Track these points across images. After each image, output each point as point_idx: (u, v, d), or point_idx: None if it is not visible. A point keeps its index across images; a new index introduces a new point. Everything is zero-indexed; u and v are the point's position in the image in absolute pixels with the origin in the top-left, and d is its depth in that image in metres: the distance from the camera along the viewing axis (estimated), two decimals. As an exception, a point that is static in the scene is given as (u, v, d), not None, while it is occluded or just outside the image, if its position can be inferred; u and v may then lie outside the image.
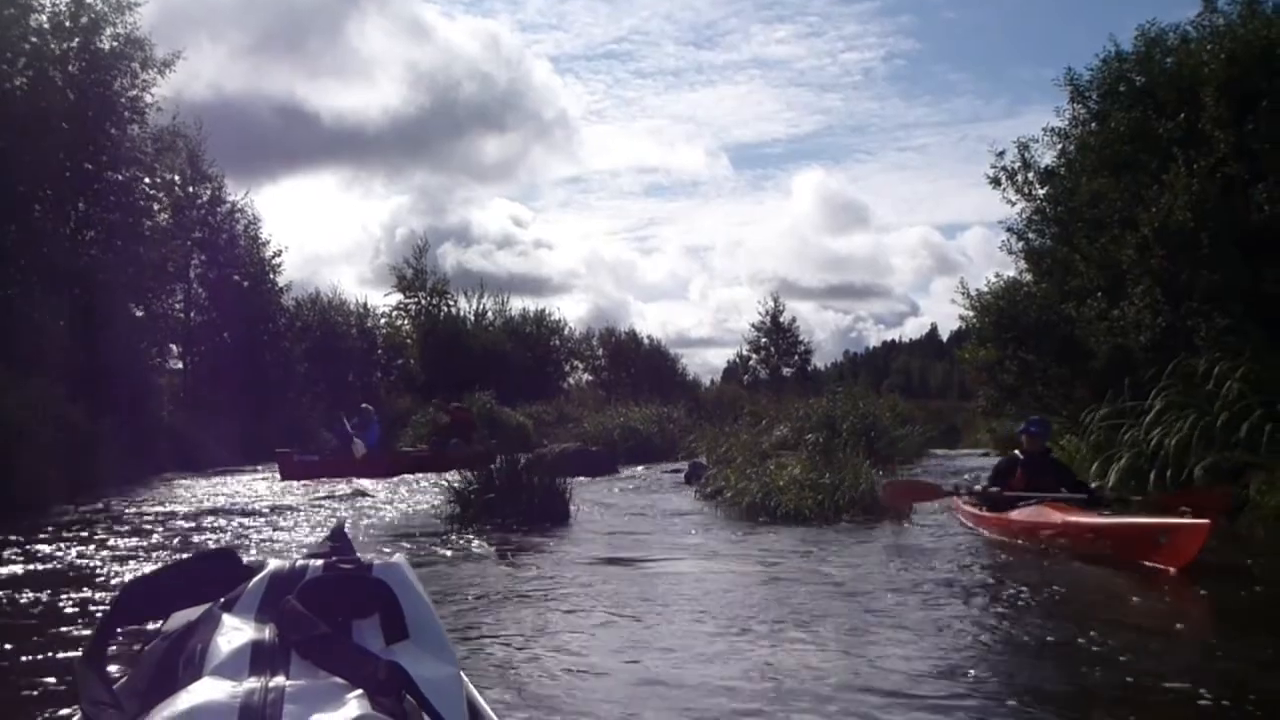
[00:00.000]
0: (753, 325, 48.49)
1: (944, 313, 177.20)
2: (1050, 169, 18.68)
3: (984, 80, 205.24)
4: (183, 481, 16.14)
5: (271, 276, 29.33)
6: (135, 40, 20.59)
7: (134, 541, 8.70)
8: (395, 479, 15.99)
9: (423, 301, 37.26)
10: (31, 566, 7.34)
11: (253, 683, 1.08)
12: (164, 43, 21.16)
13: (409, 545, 8.52)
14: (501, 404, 26.21)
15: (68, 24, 19.79)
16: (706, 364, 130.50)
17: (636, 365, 42.09)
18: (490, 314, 39.37)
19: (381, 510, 11.61)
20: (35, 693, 3.98)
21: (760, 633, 5.14)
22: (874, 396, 23.97)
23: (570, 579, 6.88)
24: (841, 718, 3.71)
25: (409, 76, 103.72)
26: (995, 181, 19.06)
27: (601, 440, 21.94)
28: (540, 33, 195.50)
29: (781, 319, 48.19)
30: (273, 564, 1.34)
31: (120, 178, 20.96)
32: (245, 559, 1.41)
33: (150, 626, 1.38)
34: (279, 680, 1.09)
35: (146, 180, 21.95)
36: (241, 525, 10.10)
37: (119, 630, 1.31)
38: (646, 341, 44.64)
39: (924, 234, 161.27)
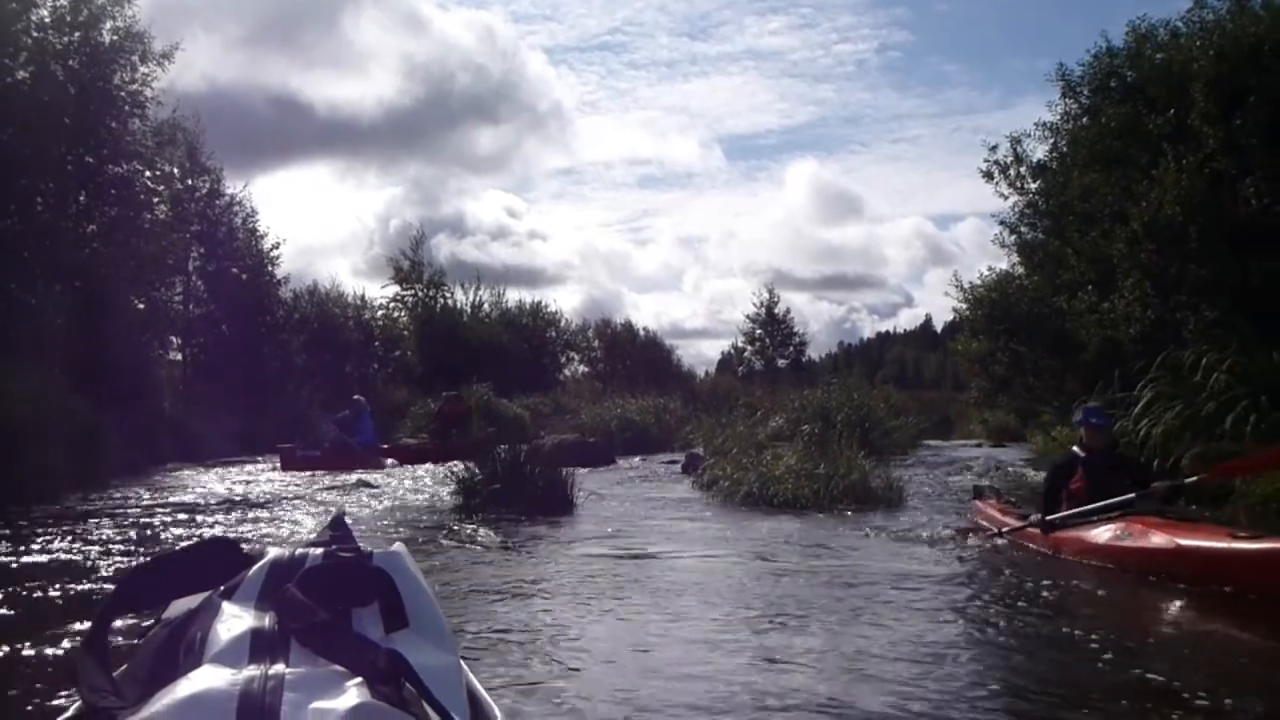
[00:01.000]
0: (747, 317, 48.64)
1: (938, 304, 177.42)
2: (1042, 163, 18.94)
3: (978, 71, 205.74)
4: (185, 472, 16.26)
5: (270, 269, 29.46)
6: (134, 34, 20.68)
7: (136, 531, 8.73)
8: (398, 470, 16.16)
9: (419, 293, 37.38)
10: (35, 555, 7.35)
11: (253, 670, 1.09)
12: (158, 34, 21.14)
13: (413, 534, 8.60)
14: (498, 395, 26.35)
15: (68, 18, 19.88)
16: (701, 355, 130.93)
17: (632, 357, 42.24)
18: (487, 306, 39.55)
19: (385, 500, 11.74)
20: (37, 682, 3.99)
21: (761, 619, 5.25)
22: (868, 388, 24.22)
23: (573, 568, 6.98)
24: (837, 705, 3.75)
25: (403, 68, 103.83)
26: (988, 175, 19.34)
27: (599, 431, 22.12)
28: (534, 24, 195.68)
29: (776, 310, 48.38)
30: (273, 552, 1.36)
31: (121, 171, 21.05)
32: (245, 547, 1.43)
33: (151, 614, 1.40)
34: (279, 668, 1.10)
35: (147, 174, 22.06)
36: (243, 515, 10.18)
37: (120, 618, 1.33)
38: (642, 333, 44.85)
39: (918, 225, 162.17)
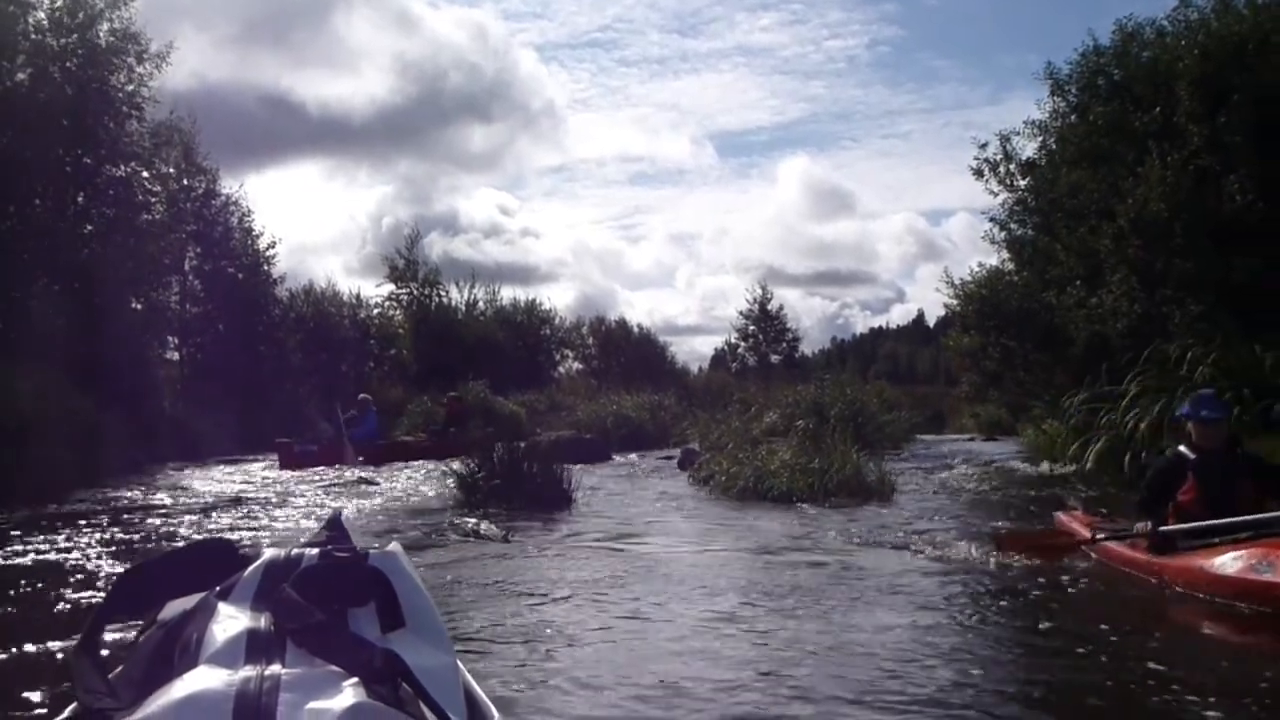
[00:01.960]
0: (741, 313, 48.92)
1: (930, 299, 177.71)
2: (1031, 161, 19.18)
3: (968, 67, 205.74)
4: (185, 471, 16.41)
5: (265, 268, 29.58)
6: (131, 34, 20.83)
7: (134, 531, 8.78)
8: (398, 467, 16.34)
9: (415, 292, 37.52)
10: (33, 555, 7.38)
11: (249, 671, 1.09)
12: (149, 31, 21.24)
13: (413, 531, 8.67)
14: (494, 393, 26.49)
15: (65, 19, 20.02)
16: (694, 351, 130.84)
17: (626, 354, 42.38)
18: (481, 304, 39.70)
19: (384, 498, 11.86)
20: (33, 682, 3.99)
21: (760, 611, 5.35)
22: (861, 383, 24.43)
23: (571, 563, 7.04)
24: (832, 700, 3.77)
25: (395, 66, 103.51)
26: (978, 173, 19.56)
27: (595, 428, 22.29)
28: (524, 21, 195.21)
29: (769, 306, 48.63)
30: (268, 553, 1.36)
31: (118, 172, 21.20)
32: (241, 548, 1.45)
33: (147, 615, 1.40)
34: (275, 668, 1.10)
35: (145, 174, 22.20)
36: (243, 514, 10.22)
37: (115, 619, 1.33)
38: (636, 330, 45.02)
39: (909, 220, 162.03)
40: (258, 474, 15.81)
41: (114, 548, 7.75)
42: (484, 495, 10.40)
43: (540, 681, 4.06)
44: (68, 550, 7.58)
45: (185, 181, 27.27)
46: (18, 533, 8.44)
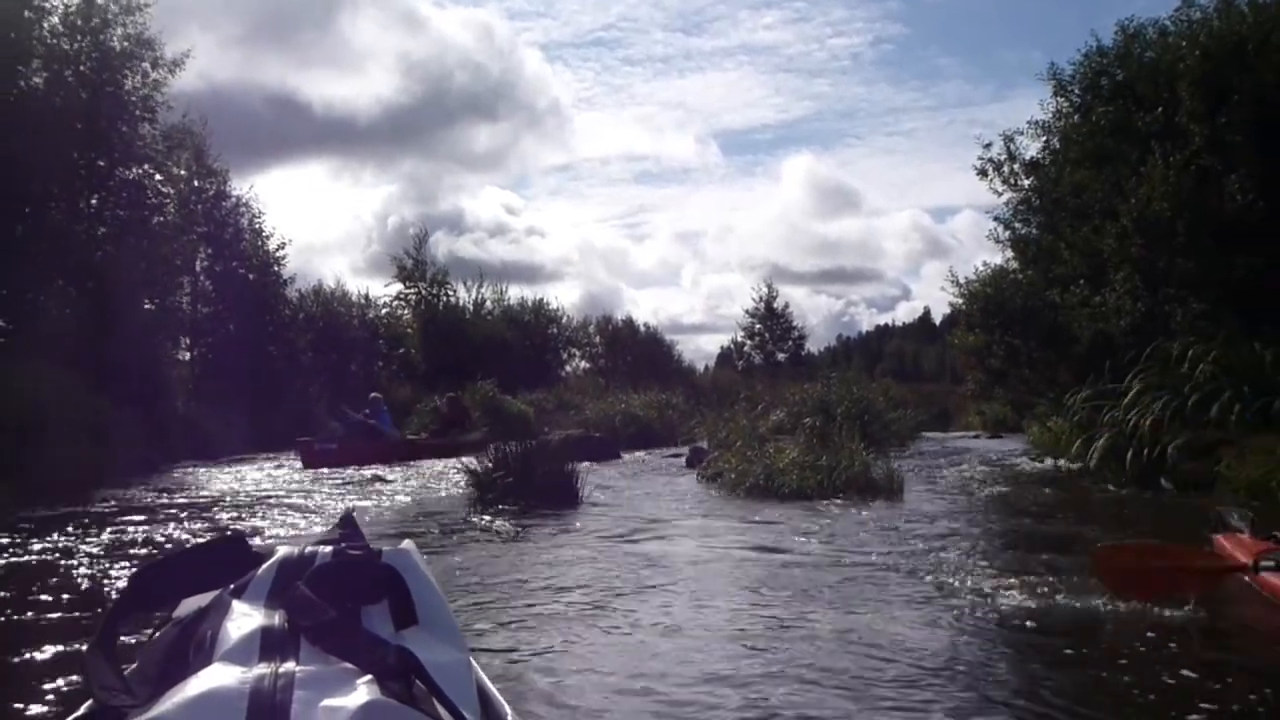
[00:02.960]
0: (747, 311, 49.17)
1: (936, 296, 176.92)
2: (1035, 160, 19.32)
3: (972, 64, 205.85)
4: (200, 470, 16.56)
5: (275, 269, 29.82)
6: (145, 40, 21.06)
7: (148, 529, 8.85)
8: (410, 466, 16.53)
9: (423, 291, 37.75)
10: (49, 553, 7.44)
11: (263, 668, 1.09)
12: (156, 32, 21.50)
13: (425, 529, 8.80)
14: (502, 392, 26.67)
15: (78, 23, 20.24)
16: (700, 350, 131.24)
17: (633, 352, 42.60)
18: (489, 303, 39.92)
19: (398, 496, 11.98)
20: (48, 679, 4.01)
21: (774, 606, 5.41)
22: (867, 381, 24.61)
23: (585, 560, 7.07)
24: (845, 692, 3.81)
25: (400, 66, 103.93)
26: (982, 173, 19.72)
27: (603, 427, 22.50)
28: (528, 20, 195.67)
29: (775, 305, 48.82)
30: (282, 550, 1.35)
31: (131, 175, 21.45)
32: (254, 545, 1.44)
33: (161, 613, 1.40)
34: (289, 666, 1.10)
35: (157, 176, 22.45)
36: (258, 512, 10.31)
37: (130, 617, 1.32)
38: (643, 329, 45.23)
39: (914, 217, 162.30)
40: (271, 473, 15.98)
41: (128, 546, 7.82)
42: (497, 493, 10.56)
43: (554, 678, 4.07)
44: (83, 548, 7.66)
45: (196, 183, 27.51)
46: (35, 530, 8.54)
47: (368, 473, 14.78)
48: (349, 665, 1.10)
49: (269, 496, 11.96)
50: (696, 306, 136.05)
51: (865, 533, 8.23)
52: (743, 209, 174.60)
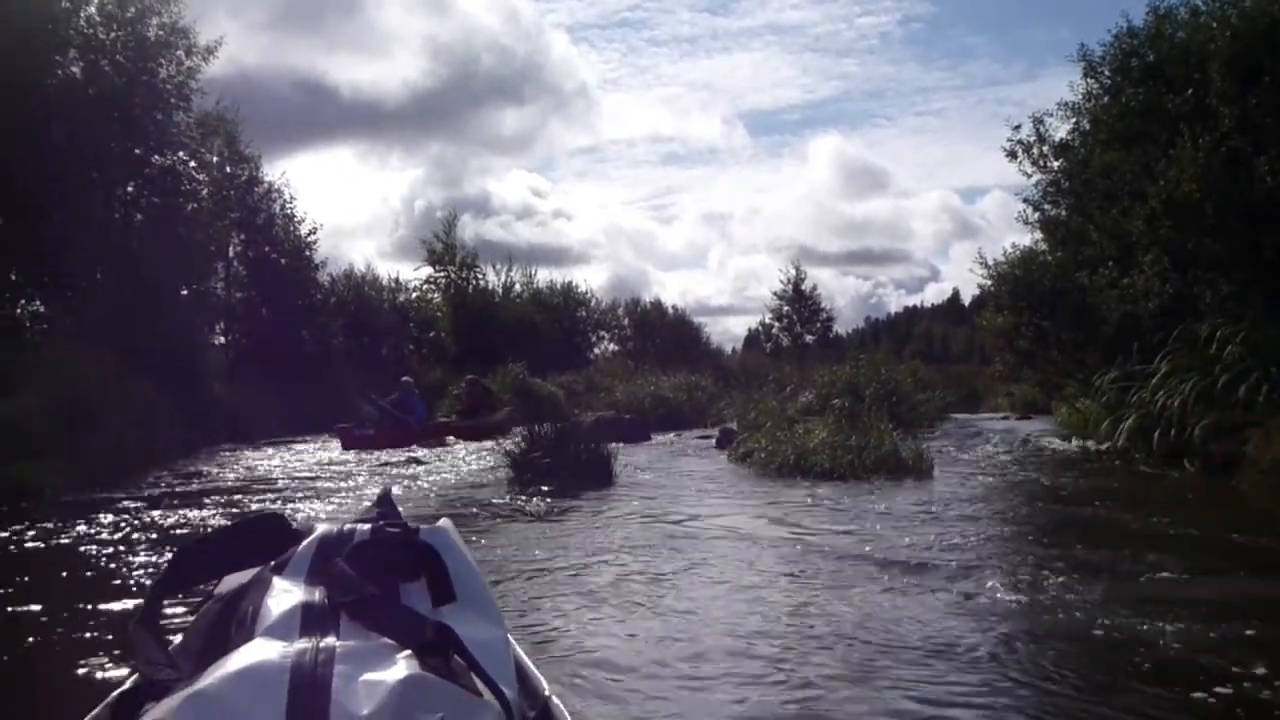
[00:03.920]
0: (774, 293, 49.20)
1: (965, 277, 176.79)
2: (1064, 142, 19.32)
3: (1001, 43, 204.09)
4: (240, 452, 16.91)
5: (308, 254, 30.21)
6: (179, 29, 21.39)
7: (193, 508, 9.08)
8: (441, 448, 16.81)
9: (452, 275, 38.05)
10: (100, 532, 7.64)
11: (304, 643, 1.10)
12: (187, 18, 21.83)
13: (462, 507, 8.96)
14: (532, 375, 26.93)
15: (116, 12, 20.58)
16: (727, 332, 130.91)
17: (662, 335, 42.78)
18: (518, 286, 40.21)
19: (434, 476, 12.21)
20: (95, 654, 4.13)
21: (808, 583, 5.48)
22: (896, 363, 24.70)
23: (619, 538, 7.18)
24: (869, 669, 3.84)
25: (427, 49, 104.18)
26: (1011, 155, 19.75)
27: (633, 408, 22.71)
28: (554, 1, 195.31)
29: (803, 286, 48.84)
30: (321, 528, 1.38)
31: (166, 162, 21.82)
32: (294, 523, 1.47)
33: (204, 589, 1.43)
34: (330, 641, 1.11)
35: (192, 163, 22.82)
36: (297, 492, 10.55)
37: (174, 593, 1.36)
38: (671, 311, 45.38)
39: (943, 198, 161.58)
40: (309, 454, 16.31)
41: (172, 525, 8.06)
42: (534, 473, 10.79)
43: (591, 654, 4.12)
44: (130, 527, 7.89)
45: (229, 170, 27.87)
46: (85, 510, 8.79)
47: (402, 455, 15.07)
48: (388, 640, 1.12)
49: (312, 477, 12.23)
50: (724, 288, 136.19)
51: (896, 512, 8.32)
52: (770, 190, 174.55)
